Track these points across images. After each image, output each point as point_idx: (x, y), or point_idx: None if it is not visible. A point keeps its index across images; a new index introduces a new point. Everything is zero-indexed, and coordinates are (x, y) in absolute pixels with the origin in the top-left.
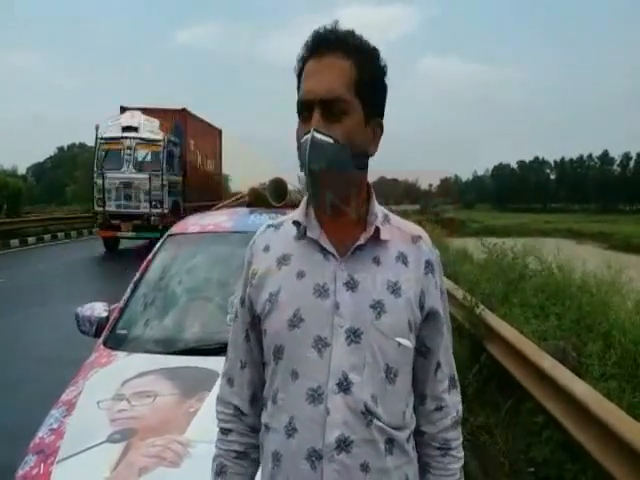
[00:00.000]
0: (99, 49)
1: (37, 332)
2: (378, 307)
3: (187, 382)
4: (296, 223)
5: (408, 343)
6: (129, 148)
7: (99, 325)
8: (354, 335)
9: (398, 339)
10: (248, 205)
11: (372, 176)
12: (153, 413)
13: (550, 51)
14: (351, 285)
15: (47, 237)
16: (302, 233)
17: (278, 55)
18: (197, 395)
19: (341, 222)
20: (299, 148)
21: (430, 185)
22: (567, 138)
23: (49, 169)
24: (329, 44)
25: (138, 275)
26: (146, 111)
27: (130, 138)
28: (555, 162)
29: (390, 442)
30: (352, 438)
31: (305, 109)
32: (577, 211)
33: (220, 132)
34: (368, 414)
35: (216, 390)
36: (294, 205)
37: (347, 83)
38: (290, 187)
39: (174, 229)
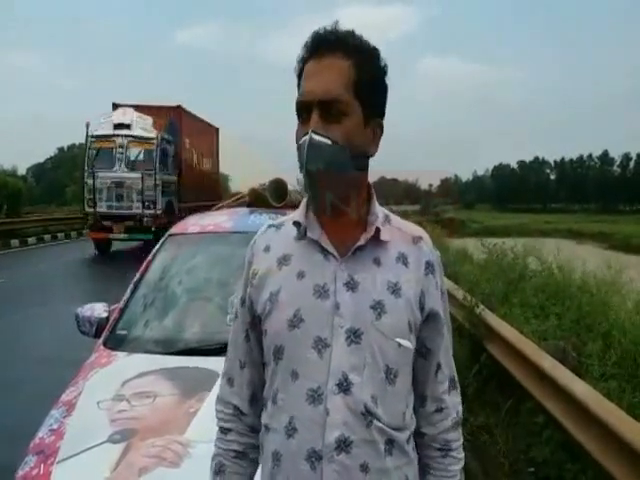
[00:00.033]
0: (99, 49)
1: (37, 332)
2: (378, 308)
3: (187, 382)
4: (296, 224)
5: (408, 344)
6: (121, 146)
7: (99, 325)
8: (354, 336)
9: (398, 340)
10: (248, 205)
11: (372, 176)
12: (153, 413)
13: (550, 51)
14: (351, 285)
15: (47, 237)
16: (302, 233)
17: (278, 55)
18: (197, 395)
19: (341, 222)
20: (298, 149)
21: (430, 185)
22: (567, 138)
23: (49, 169)
24: (328, 45)
25: (138, 275)
26: (139, 108)
27: (122, 136)
28: (555, 162)
29: (390, 443)
30: (352, 439)
31: (304, 110)
32: (577, 211)
33: (217, 130)
34: (368, 415)
35: (216, 390)
36: (294, 205)
37: (346, 84)
38: (290, 187)
39: (174, 229)
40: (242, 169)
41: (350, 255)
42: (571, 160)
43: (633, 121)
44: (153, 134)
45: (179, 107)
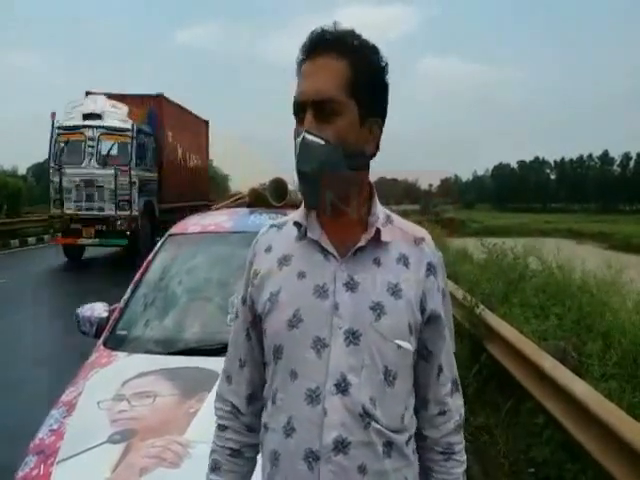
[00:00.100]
0: (99, 49)
1: (37, 332)
2: (378, 309)
3: (187, 382)
4: (297, 224)
5: (408, 345)
6: (91, 139)
7: (99, 325)
8: (353, 336)
9: (397, 341)
10: (248, 205)
11: (372, 176)
12: (153, 414)
13: (550, 51)
14: (351, 286)
15: (47, 237)
16: (303, 234)
17: (278, 55)
18: (197, 395)
19: (342, 223)
20: (294, 149)
21: (430, 185)
22: (567, 138)
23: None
24: (324, 45)
25: (138, 275)
26: (113, 97)
27: (92, 127)
28: (555, 162)
29: (389, 445)
30: (349, 440)
31: (300, 110)
32: (577, 211)
33: (207, 124)
34: (366, 416)
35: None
36: (294, 205)
37: (340, 84)
38: (290, 187)
39: (174, 229)
40: (242, 169)
41: (350, 255)
42: (571, 160)
43: (633, 121)
44: (128, 125)
45: (160, 96)
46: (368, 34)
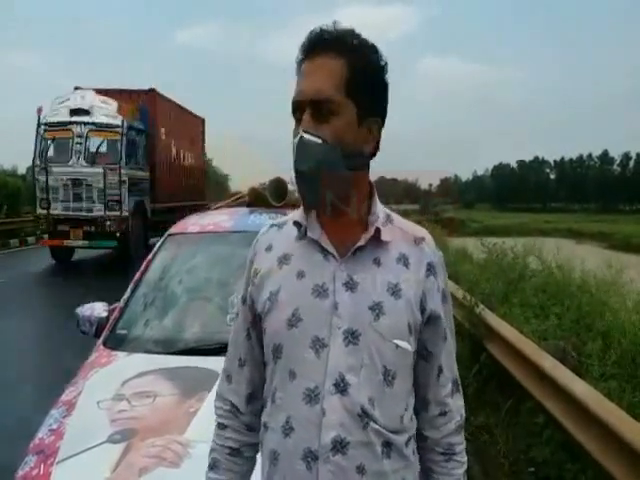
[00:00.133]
0: (99, 49)
1: (37, 332)
2: (377, 309)
3: (187, 382)
4: (296, 224)
5: (407, 345)
6: (79, 136)
7: (99, 325)
8: (352, 336)
9: (396, 341)
10: (248, 205)
11: (372, 176)
12: (153, 413)
13: (550, 51)
14: (350, 286)
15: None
16: (303, 233)
17: (278, 55)
18: (197, 395)
19: (341, 222)
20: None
21: (430, 185)
22: (567, 138)
23: None
24: (323, 45)
25: (138, 275)
26: (103, 92)
27: (80, 123)
28: (555, 162)
29: (387, 445)
30: (348, 440)
31: (298, 110)
32: (577, 211)
33: (203, 121)
34: (365, 416)
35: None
36: (294, 205)
37: (337, 84)
38: (290, 187)
39: (174, 229)
40: (242, 169)
41: (350, 255)
42: (571, 160)
43: (633, 121)
44: (118, 121)
45: (153, 91)
46: (368, 34)
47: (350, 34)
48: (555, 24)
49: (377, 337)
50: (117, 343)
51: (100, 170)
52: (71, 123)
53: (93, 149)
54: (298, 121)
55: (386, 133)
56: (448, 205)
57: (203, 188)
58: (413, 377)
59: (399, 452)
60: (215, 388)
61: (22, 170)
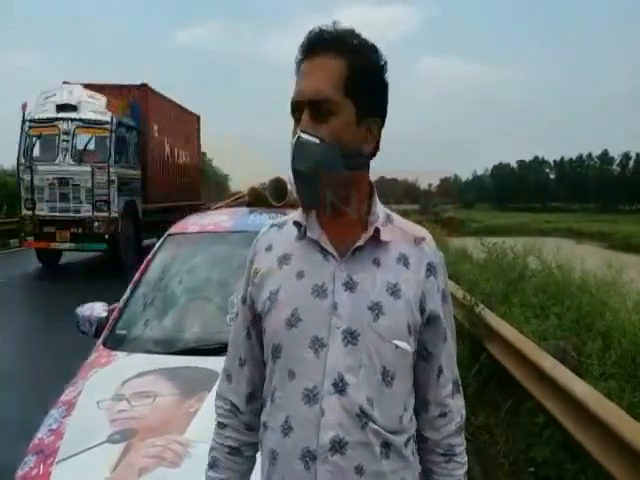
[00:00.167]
0: (99, 49)
1: (37, 332)
2: (376, 309)
3: (187, 382)
4: (296, 224)
5: (406, 346)
6: (66, 133)
7: (99, 325)
8: (351, 336)
9: (396, 341)
10: (248, 205)
11: (372, 176)
12: (153, 413)
13: (550, 51)
14: (350, 286)
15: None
16: (302, 233)
17: (278, 55)
18: (197, 395)
19: (341, 222)
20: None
21: (430, 185)
22: (567, 138)
23: None
24: (322, 45)
25: (138, 275)
26: (91, 86)
27: (67, 120)
28: (555, 162)
29: (386, 446)
30: (347, 440)
31: (296, 110)
32: (577, 211)
33: (198, 118)
34: (363, 416)
35: (215, 390)
36: (294, 205)
37: (336, 84)
38: (290, 187)
39: (174, 229)
40: (242, 169)
41: (349, 255)
42: (571, 159)
43: (633, 121)
44: (107, 117)
45: (145, 86)
46: (368, 34)
47: (349, 34)
48: (555, 24)
49: (376, 337)
50: (117, 343)
51: (88, 169)
52: (57, 119)
53: (80, 147)
54: (297, 121)
55: (386, 133)
56: (448, 205)
57: (199, 187)
58: (413, 378)
59: (398, 453)
60: (215, 388)
61: None
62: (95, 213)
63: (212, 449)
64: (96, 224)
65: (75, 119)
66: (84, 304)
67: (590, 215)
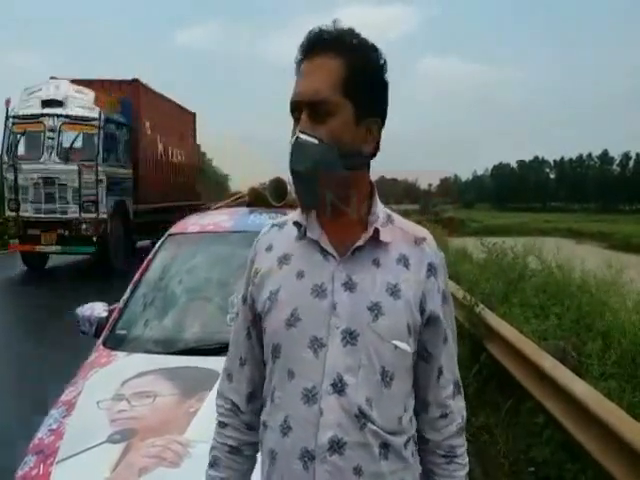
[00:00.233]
0: (99, 49)
1: (37, 332)
2: (375, 309)
3: (187, 382)
4: (296, 224)
5: (406, 346)
6: (52, 130)
7: (99, 325)
8: (350, 336)
9: (395, 342)
10: (248, 205)
11: (372, 176)
12: (153, 413)
13: (550, 51)
14: (349, 286)
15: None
16: (302, 234)
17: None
18: (197, 395)
19: (341, 222)
20: None
21: (430, 185)
22: (567, 138)
23: None
24: (321, 45)
25: (138, 275)
26: (79, 82)
27: (53, 116)
28: (555, 162)
29: (385, 447)
30: (345, 440)
31: (295, 110)
32: (577, 210)
33: (194, 116)
34: (362, 417)
35: (216, 390)
36: (293, 205)
37: (334, 84)
38: (290, 187)
39: (174, 229)
40: (242, 169)
41: (349, 255)
42: (571, 159)
43: (633, 121)
44: (94, 113)
45: (136, 81)
46: (368, 34)
47: (349, 34)
48: (555, 24)
49: (375, 338)
50: (117, 343)
51: (75, 167)
52: (43, 115)
53: (67, 144)
54: (296, 121)
55: (386, 133)
56: (448, 205)
57: (194, 187)
58: (413, 378)
59: (397, 453)
60: (215, 388)
61: None
62: (82, 214)
63: (213, 448)
64: (83, 226)
65: (61, 115)
66: (84, 304)
67: (590, 215)
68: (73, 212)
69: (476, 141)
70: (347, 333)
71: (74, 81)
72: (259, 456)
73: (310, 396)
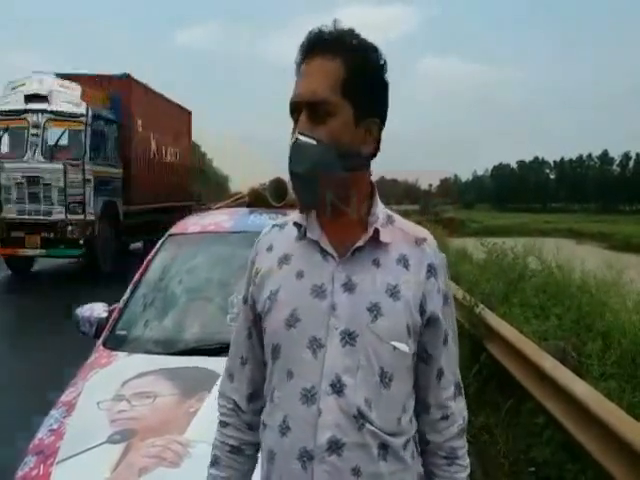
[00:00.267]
0: (99, 49)
1: (36, 333)
2: (374, 310)
3: (187, 382)
4: (297, 225)
5: (405, 347)
6: (36, 126)
7: (99, 325)
8: (349, 337)
9: (394, 343)
10: (248, 205)
11: (372, 176)
12: (153, 413)
13: (550, 51)
14: (349, 287)
15: None
16: (302, 234)
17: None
18: (197, 395)
19: (341, 223)
20: None
21: (430, 185)
22: (567, 138)
23: None
24: (320, 46)
25: (138, 275)
26: (66, 76)
27: (37, 112)
28: (555, 162)
29: (384, 447)
30: (344, 441)
31: (295, 111)
32: (577, 211)
33: (189, 114)
34: (360, 418)
35: (216, 390)
36: (294, 205)
37: (333, 85)
38: (290, 187)
39: (174, 229)
40: (242, 169)
41: (349, 256)
42: (571, 160)
43: (633, 121)
44: (81, 109)
45: (127, 76)
46: (368, 34)
47: (349, 34)
48: (555, 24)
49: (374, 338)
50: (117, 344)
51: (60, 166)
52: (26, 111)
53: (52, 142)
54: (296, 122)
55: (386, 133)
56: (448, 205)
57: (189, 187)
58: (414, 379)
59: (396, 455)
60: (215, 388)
61: None
62: (68, 216)
63: (214, 447)
64: (69, 228)
65: (46, 111)
66: (84, 305)
67: (590, 215)
68: (58, 213)
69: (476, 141)
70: (346, 334)
71: (60, 75)
72: (260, 456)
73: (309, 396)
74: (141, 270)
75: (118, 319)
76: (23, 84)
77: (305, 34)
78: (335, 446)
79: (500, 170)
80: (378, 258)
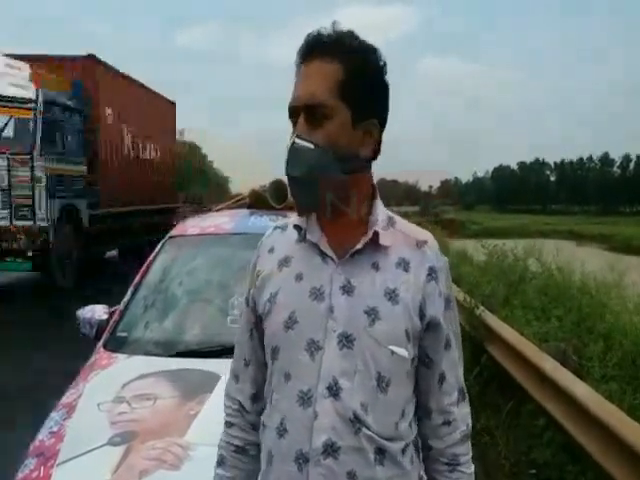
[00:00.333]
0: (99, 49)
1: (36, 333)
2: (372, 314)
3: (187, 384)
4: (297, 227)
5: (404, 352)
6: None
7: (99, 327)
8: (346, 340)
9: (392, 347)
10: (248, 207)
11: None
12: (153, 416)
13: (550, 51)
14: (347, 289)
15: None
16: (303, 236)
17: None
18: (197, 397)
19: (341, 225)
20: None
21: (430, 186)
22: (567, 139)
23: None
24: (319, 48)
25: (138, 277)
26: (17, 57)
27: None
28: (555, 164)
29: (381, 452)
30: (339, 444)
31: (293, 114)
32: (577, 213)
33: (174, 105)
34: (357, 422)
35: (216, 392)
36: (294, 207)
37: (330, 88)
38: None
39: (174, 231)
40: (242, 170)
41: (348, 258)
42: (571, 161)
43: (633, 122)
44: (30, 92)
45: (92, 57)
46: (368, 34)
47: (348, 36)
48: (555, 24)
49: (372, 342)
50: (117, 345)
51: (3, 162)
52: None
53: None
54: (294, 125)
55: (386, 133)
56: (448, 207)
57: (172, 187)
58: (415, 384)
59: (393, 460)
60: (216, 390)
61: None
62: (14, 221)
63: (220, 447)
64: (16, 236)
65: None
66: (85, 306)
67: (590, 217)
68: (2, 219)
69: (476, 142)
70: (343, 337)
71: (10, 56)
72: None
73: (305, 399)
74: (142, 272)
75: (119, 321)
76: None
77: (305, 35)
78: (331, 449)
79: (500, 171)
80: (377, 261)
